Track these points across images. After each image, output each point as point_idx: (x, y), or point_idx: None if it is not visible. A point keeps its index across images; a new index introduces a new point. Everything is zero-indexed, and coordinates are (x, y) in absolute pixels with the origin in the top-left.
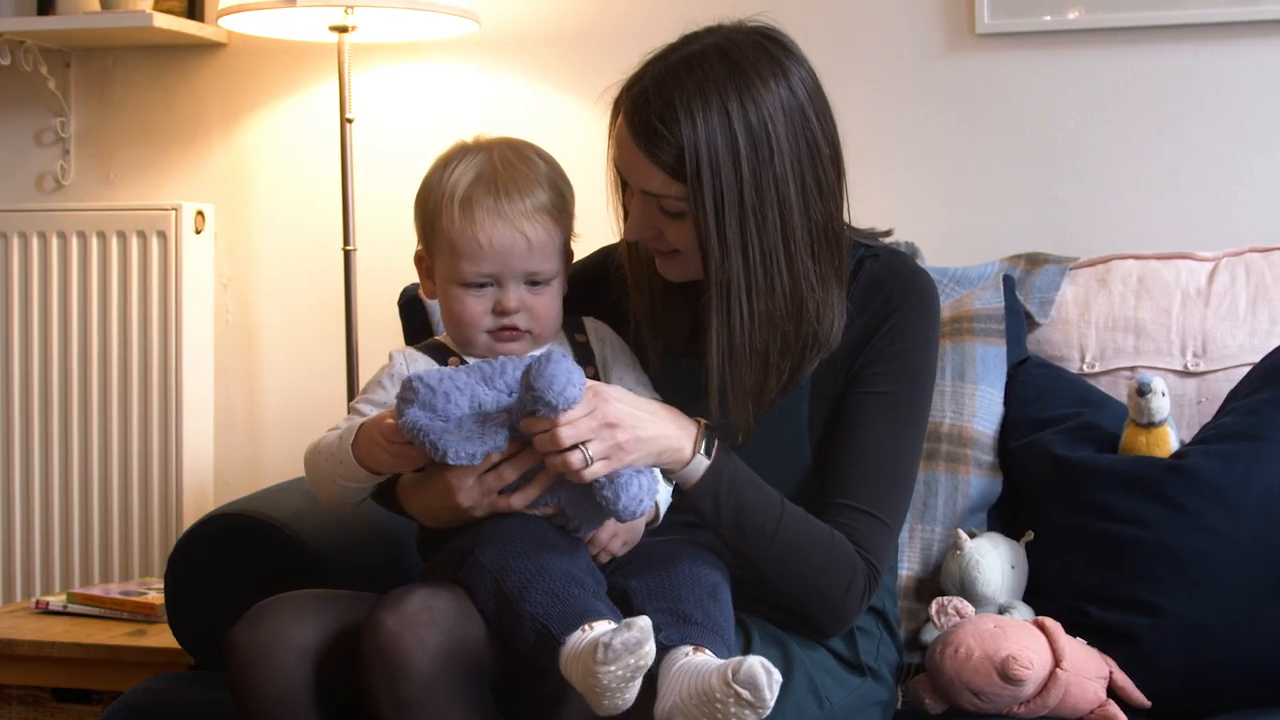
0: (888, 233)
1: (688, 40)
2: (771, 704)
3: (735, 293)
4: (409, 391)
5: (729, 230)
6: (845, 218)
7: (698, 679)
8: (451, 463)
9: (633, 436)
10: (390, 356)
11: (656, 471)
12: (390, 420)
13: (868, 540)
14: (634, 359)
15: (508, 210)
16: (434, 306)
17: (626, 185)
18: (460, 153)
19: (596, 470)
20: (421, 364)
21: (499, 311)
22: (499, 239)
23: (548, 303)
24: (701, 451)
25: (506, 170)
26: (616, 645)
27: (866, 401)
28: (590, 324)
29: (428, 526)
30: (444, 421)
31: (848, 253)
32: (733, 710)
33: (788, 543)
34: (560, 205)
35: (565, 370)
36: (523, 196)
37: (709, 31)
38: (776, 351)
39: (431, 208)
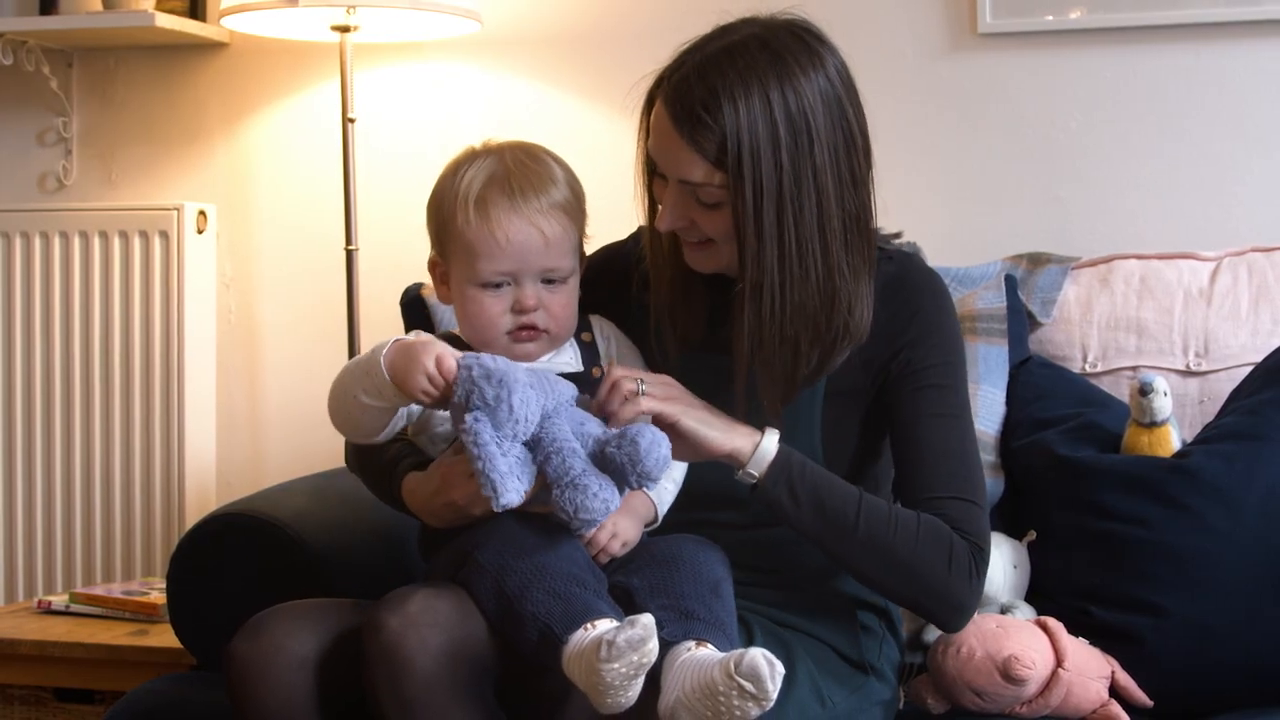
0: (897, 235)
1: (724, 31)
2: (774, 695)
3: (769, 282)
4: (484, 398)
5: (766, 219)
6: (874, 211)
7: (700, 673)
8: (495, 509)
9: (686, 394)
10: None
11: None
12: (448, 358)
13: (963, 521)
14: (640, 358)
15: (524, 208)
16: (436, 306)
17: (654, 176)
18: (470, 157)
19: (651, 405)
20: None
21: (518, 310)
22: (516, 236)
23: (564, 301)
24: (766, 434)
25: (519, 170)
26: (620, 642)
27: (921, 396)
28: (596, 322)
29: (430, 526)
30: (498, 446)
31: (875, 245)
32: (735, 703)
33: (872, 528)
34: (574, 203)
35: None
36: (537, 194)
37: (744, 23)
38: (806, 341)
39: (446, 211)
